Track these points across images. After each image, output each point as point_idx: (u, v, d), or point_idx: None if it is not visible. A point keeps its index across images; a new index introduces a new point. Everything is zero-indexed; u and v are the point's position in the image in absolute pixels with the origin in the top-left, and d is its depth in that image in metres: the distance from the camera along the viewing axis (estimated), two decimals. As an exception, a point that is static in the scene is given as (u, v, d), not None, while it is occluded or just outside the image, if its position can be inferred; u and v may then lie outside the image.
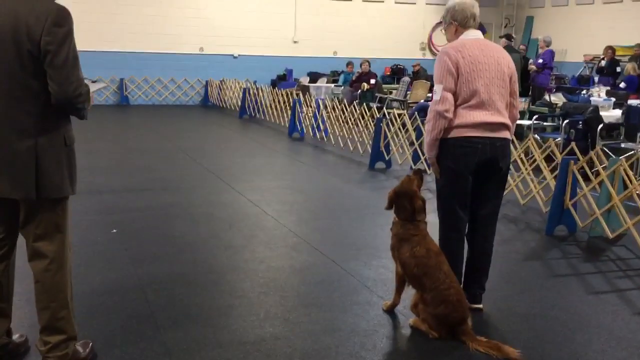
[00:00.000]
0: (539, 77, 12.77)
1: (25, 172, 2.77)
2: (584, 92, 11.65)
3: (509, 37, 12.93)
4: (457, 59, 3.73)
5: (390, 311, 3.91)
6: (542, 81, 12.72)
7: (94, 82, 3.39)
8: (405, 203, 3.77)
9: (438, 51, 17.03)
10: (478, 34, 3.90)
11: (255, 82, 16.22)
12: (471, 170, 3.80)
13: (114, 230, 5.46)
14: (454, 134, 3.76)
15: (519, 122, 10.19)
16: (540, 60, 12.63)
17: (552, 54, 12.87)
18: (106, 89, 16.58)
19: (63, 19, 2.70)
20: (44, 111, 2.77)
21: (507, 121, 3.85)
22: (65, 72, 2.70)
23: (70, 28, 2.73)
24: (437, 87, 3.76)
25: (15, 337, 3.21)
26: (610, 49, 13.95)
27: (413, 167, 8.68)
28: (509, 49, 12.86)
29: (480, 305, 4.01)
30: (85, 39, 15.46)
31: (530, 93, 12.52)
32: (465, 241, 4.00)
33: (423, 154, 8.47)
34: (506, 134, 3.86)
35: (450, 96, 3.71)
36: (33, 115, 2.75)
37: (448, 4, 3.95)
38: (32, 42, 2.66)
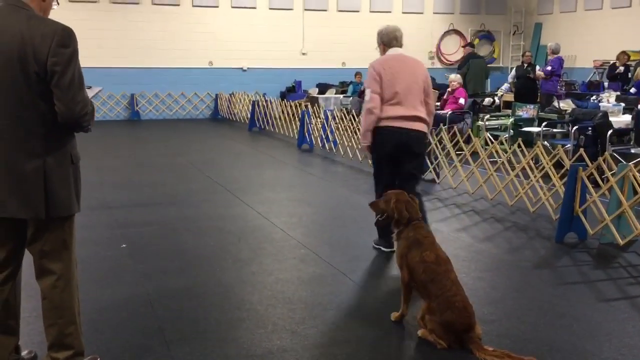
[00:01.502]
0: (546, 84, 12.73)
1: (34, 192, 2.80)
2: (594, 97, 11.59)
3: (471, 45, 14.23)
4: (379, 70, 5.00)
5: (399, 322, 3.89)
6: (550, 88, 12.68)
7: (88, 88, 3.43)
8: (403, 206, 3.89)
9: (448, 60, 17.15)
10: (400, 50, 5.20)
11: (264, 95, 16.31)
12: (392, 150, 5.01)
13: (124, 245, 5.49)
14: (381, 124, 4.99)
15: (528, 129, 10.28)
16: (549, 68, 12.59)
17: (560, 61, 12.83)
18: (117, 105, 16.73)
19: (68, 39, 2.73)
20: (51, 131, 2.80)
21: (422, 115, 5.03)
22: (72, 92, 2.72)
23: (75, 48, 2.75)
24: (367, 91, 5.04)
25: (24, 353, 3.23)
26: (625, 54, 13.89)
27: (422, 176, 8.66)
28: (472, 55, 13.98)
29: None
30: (95, 55, 15.68)
31: (538, 100, 12.49)
32: None
33: (431, 163, 8.46)
34: (421, 127, 5.04)
35: (376, 97, 4.95)
36: (40, 135, 2.78)
37: (378, 30, 5.36)
38: (39, 64, 2.68)
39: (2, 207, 2.81)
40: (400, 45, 5.22)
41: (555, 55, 12.76)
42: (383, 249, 5.32)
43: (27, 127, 2.76)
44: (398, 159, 5.05)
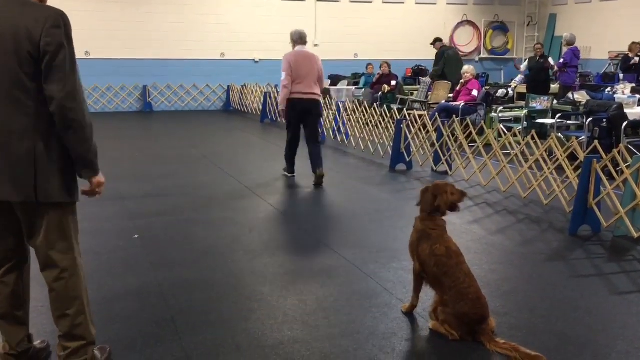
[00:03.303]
0: (562, 76, 12.60)
1: (25, 174, 2.77)
2: (609, 89, 11.47)
3: (439, 40, 14.62)
4: (290, 60, 7.56)
5: (410, 313, 3.88)
6: (566, 80, 12.54)
7: None
8: (430, 196, 3.74)
9: (461, 51, 17.04)
10: (304, 47, 7.76)
11: (276, 86, 16.25)
12: (300, 113, 7.67)
13: (136, 236, 5.51)
14: (294, 96, 7.60)
15: (542, 120, 10.22)
16: (562, 60, 12.45)
17: (574, 52, 12.68)
18: (130, 96, 16.79)
19: (62, 22, 2.74)
20: (43, 114, 2.76)
21: (317, 90, 7.67)
22: (62, 73, 2.71)
23: (68, 31, 2.75)
24: (283, 74, 7.56)
25: (36, 343, 3.24)
26: (638, 45, 13.73)
27: (434, 168, 8.64)
28: (446, 47, 14.41)
29: (324, 173, 7.68)
30: (108, 47, 15.72)
31: (550, 92, 12.37)
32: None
33: (444, 155, 8.42)
34: (317, 97, 7.70)
35: (289, 77, 7.52)
36: (32, 117, 2.76)
37: (290, 32, 7.87)
38: (32, 44, 2.69)
39: None
40: (305, 44, 7.81)
41: (570, 47, 12.62)
42: (287, 174, 8.10)
43: (20, 109, 2.74)
44: (303, 118, 7.72)
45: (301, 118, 7.71)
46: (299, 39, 7.75)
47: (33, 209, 2.84)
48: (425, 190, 3.80)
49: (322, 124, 11.76)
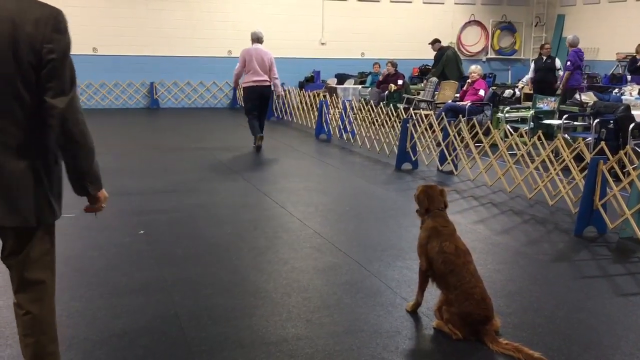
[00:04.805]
0: (571, 79, 12.47)
1: (23, 197, 2.48)
2: (616, 90, 11.43)
3: (438, 40, 14.70)
4: (245, 55, 9.97)
5: (414, 312, 3.88)
6: (573, 83, 12.43)
7: None
8: (435, 194, 3.87)
9: (468, 51, 17.11)
10: (259, 45, 10.08)
11: (282, 84, 16.26)
12: (255, 97, 10.05)
13: (141, 232, 5.53)
14: (247, 84, 10.03)
15: (548, 121, 10.20)
16: (568, 62, 12.30)
17: (576, 53, 12.56)
18: (137, 93, 16.82)
19: (64, 24, 2.46)
20: (39, 128, 2.49)
21: (267, 78, 10.01)
22: (64, 83, 2.45)
23: (69, 36, 2.49)
24: (238, 64, 10.07)
25: None
26: None
27: (440, 167, 8.63)
28: (445, 48, 14.49)
29: (261, 141, 10.13)
30: (115, 43, 15.76)
31: (558, 93, 12.29)
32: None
33: (450, 155, 8.41)
34: (267, 83, 10.06)
35: (241, 67, 10.05)
36: (29, 131, 2.47)
37: (251, 32, 10.24)
38: (34, 52, 2.40)
39: None
40: (261, 42, 10.11)
41: (572, 48, 12.53)
42: (253, 145, 10.16)
43: (16, 123, 2.44)
44: (258, 101, 10.05)
45: (258, 100, 10.09)
46: (256, 38, 10.12)
47: (25, 232, 2.55)
48: (425, 191, 3.89)
49: (329, 122, 11.82)
